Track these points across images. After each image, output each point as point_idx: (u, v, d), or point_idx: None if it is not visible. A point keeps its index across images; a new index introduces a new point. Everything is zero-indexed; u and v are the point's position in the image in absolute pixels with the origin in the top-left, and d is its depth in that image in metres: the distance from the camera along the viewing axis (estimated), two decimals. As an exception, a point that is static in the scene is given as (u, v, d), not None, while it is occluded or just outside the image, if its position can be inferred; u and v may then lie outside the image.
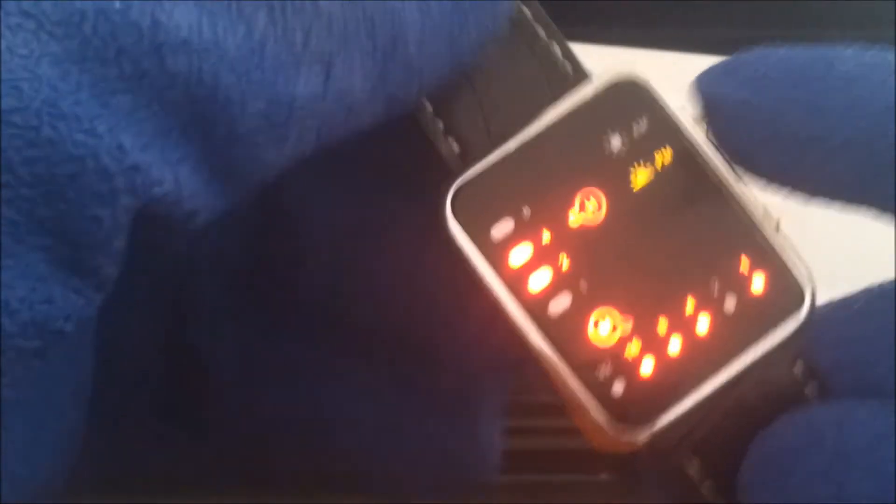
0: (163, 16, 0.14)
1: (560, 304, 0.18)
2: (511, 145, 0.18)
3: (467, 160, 0.18)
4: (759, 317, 0.18)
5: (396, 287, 0.21)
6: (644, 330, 0.18)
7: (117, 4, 0.14)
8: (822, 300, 0.19)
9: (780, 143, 0.18)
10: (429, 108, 0.19)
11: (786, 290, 0.18)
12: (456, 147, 0.19)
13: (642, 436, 0.18)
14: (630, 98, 0.18)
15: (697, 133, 0.18)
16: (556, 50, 0.19)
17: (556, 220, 0.18)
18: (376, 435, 0.21)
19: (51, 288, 0.14)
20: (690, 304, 0.18)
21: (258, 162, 0.15)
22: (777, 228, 0.18)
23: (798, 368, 0.18)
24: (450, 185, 0.18)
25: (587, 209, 0.18)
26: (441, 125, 0.19)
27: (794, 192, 0.19)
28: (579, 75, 0.19)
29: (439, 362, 0.21)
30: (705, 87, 0.18)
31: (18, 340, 0.14)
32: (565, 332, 0.18)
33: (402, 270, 0.21)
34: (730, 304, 0.18)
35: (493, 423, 0.22)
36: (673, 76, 0.20)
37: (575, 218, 0.18)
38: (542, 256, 0.18)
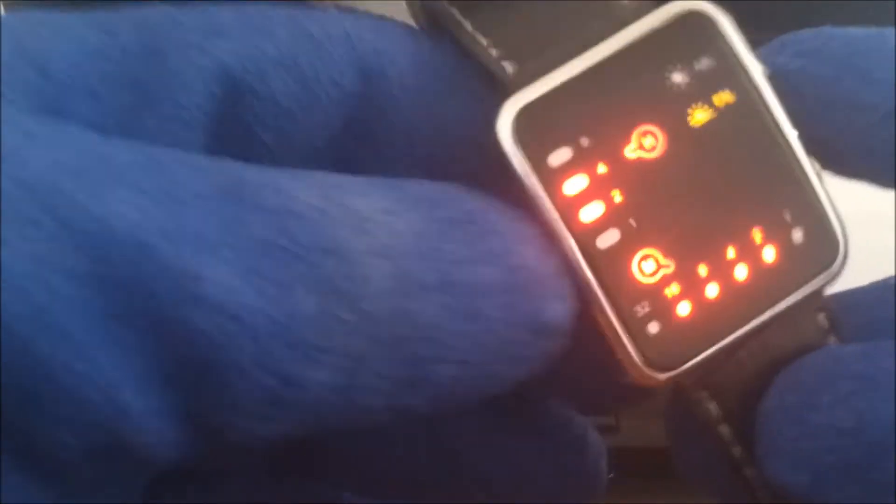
0: (207, 271, 0.13)
1: (608, 239, 0.18)
2: (573, 70, 0.18)
3: (523, 78, 0.18)
4: (796, 269, 0.18)
5: None
6: (685, 274, 0.18)
7: (163, 244, 0.13)
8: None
9: (834, 109, 0.19)
10: (482, 41, 0.19)
11: (823, 243, 0.18)
12: (510, 68, 0.18)
13: (670, 374, 0.18)
14: (698, 32, 0.18)
15: (760, 76, 0.18)
16: None
17: (613, 154, 0.18)
18: (495, 455, 0.21)
19: (7, 478, 0.13)
20: (732, 252, 0.18)
21: (248, 433, 0.14)
22: (820, 180, 0.19)
23: (822, 317, 0.19)
24: (508, 103, 0.18)
25: (644, 145, 0.18)
26: (494, 51, 0.18)
27: (840, 166, 0.19)
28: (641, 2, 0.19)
29: (543, 397, 0.21)
30: (762, 58, 0.19)
31: None
32: (610, 267, 0.18)
33: None
34: (769, 254, 0.18)
35: (595, 433, 0.22)
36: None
37: (631, 153, 0.18)
38: (596, 189, 0.18)
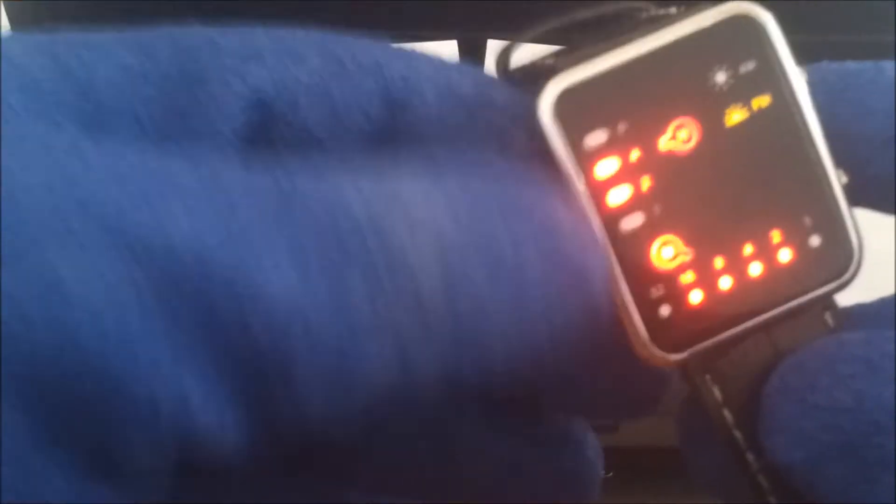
0: (260, 276, 0.14)
1: (632, 221, 0.18)
2: (618, 58, 0.18)
3: (569, 61, 0.18)
4: (809, 272, 0.19)
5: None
6: (701, 264, 0.19)
7: (217, 253, 0.13)
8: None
9: (831, 141, 0.19)
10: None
11: (838, 251, 0.19)
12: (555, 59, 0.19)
13: (676, 357, 0.19)
14: (746, 34, 0.19)
15: (800, 84, 0.19)
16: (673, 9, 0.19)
17: (648, 142, 0.18)
18: (491, 457, 0.21)
19: (84, 488, 0.14)
20: (749, 249, 0.19)
21: (304, 422, 0.15)
22: (844, 191, 0.19)
23: (828, 315, 0.19)
24: (552, 81, 0.18)
25: (678, 137, 0.18)
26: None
27: None
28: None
29: (543, 404, 0.22)
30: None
31: None
32: (631, 249, 0.18)
33: None
34: (784, 256, 0.19)
35: (591, 438, 0.22)
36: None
37: (665, 143, 0.18)
38: (627, 174, 0.18)
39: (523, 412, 0.22)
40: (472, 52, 0.50)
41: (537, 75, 0.19)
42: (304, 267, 0.14)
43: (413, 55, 0.18)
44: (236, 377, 0.14)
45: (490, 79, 0.19)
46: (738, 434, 0.19)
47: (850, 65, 0.19)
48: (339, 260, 0.14)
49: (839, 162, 0.19)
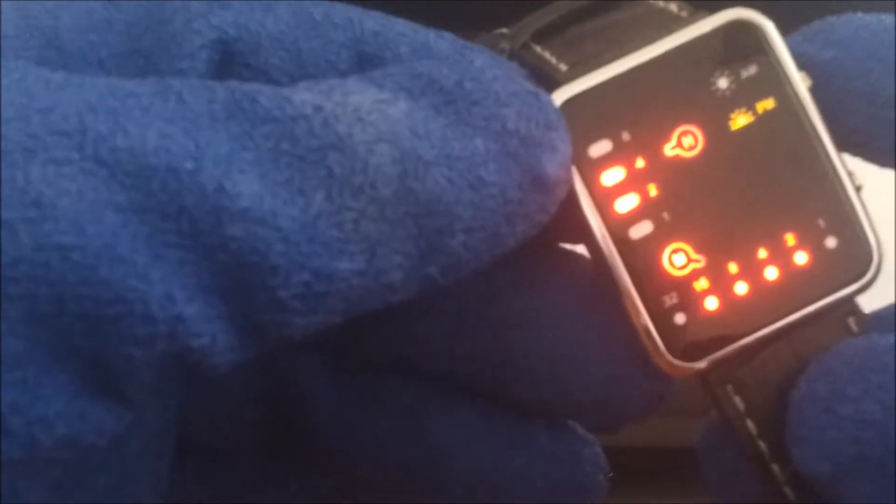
0: (229, 183, 0.14)
1: (641, 230, 0.18)
2: (620, 67, 0.18)
3: (573, 73, 0.19)
4: (826, 276, 0.19)
5: (499, 341, 0.20)
6: (715, 270, 0.18)
7: (189, 165, 0.14)
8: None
9: (865, 100, 0.19)
10: (545, 53, 0.19)
11: (856, 254, 0.19)
12: (564, 67, 0.19)
13: (695, 366, 0.19)
14: (745, 40, 0.19)
15: (802, 86, 0.19)
16: (673, 6, 0.20)
17: (652, 150, 0.18)
18: (484, 464, 0.21)
19: (84, 405, 0.14)
20: (763, 253, 0.18)
21: (288, 327, 0.15)
22: (858, 192, 0.19)
23: (851, 321, 0.19)
24: (555, 93, 0.18)
25: (683, 144, 0.18)
26: (553, 59, 0.19)
27: (868, 155, 0.19)
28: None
29: (536, 403, 0.21)
30: (791, 48, 0.19)
31: (51, 452, 0.14)
32: (641, 258, 0.18)
33: (502, 328, 0.21)
34: (800, 259, 0.19)
35: (593, 448, 0.22)
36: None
37: (670, 150, 0.18)
38: (633, 182, 0.18)
39: (514, 420, 0.21)
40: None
41: (541, 77, 0.19)
42: (266, 180, 0.15)
43: (391, 18, 0.18)
44: (218, 283, 0.15)
45: (468, 43, 0.19)
46: (762, 445, 0.19)
47: (884, 20, 0.19)
48: (295, 173, 0.15)
49: (869, 122, 0.19)
